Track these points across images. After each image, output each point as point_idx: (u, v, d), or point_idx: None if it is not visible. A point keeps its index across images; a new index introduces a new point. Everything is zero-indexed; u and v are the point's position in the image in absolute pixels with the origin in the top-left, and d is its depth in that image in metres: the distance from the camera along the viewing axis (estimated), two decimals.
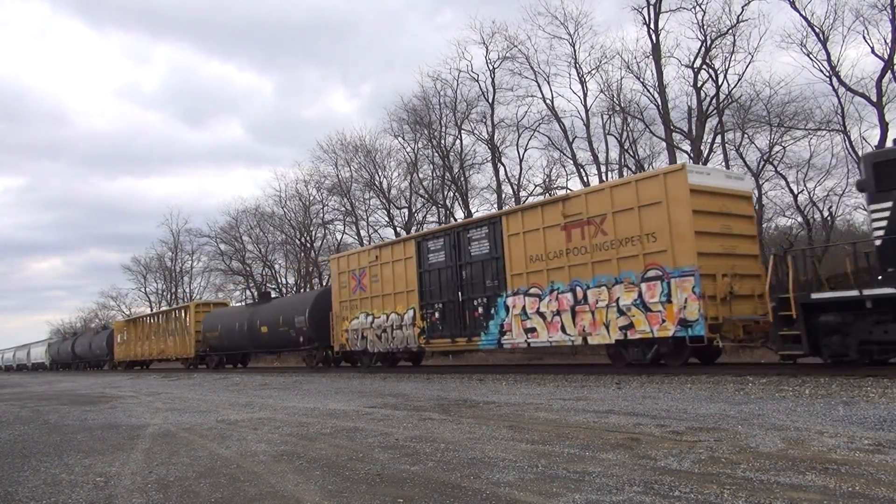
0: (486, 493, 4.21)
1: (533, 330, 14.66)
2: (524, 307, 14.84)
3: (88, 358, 49.75)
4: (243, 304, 40.82)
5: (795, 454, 4.89)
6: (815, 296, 10.38)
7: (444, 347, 17.74)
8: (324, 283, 43.74)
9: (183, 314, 34.89)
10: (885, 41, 23.52)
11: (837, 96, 24.92)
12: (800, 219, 28.34)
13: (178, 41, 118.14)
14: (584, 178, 31.48)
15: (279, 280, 49.95)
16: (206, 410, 10.55)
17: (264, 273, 50.85)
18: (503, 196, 34.70)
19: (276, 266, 50.76)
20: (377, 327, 19.27)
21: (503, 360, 24.06)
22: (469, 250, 16.51)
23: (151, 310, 64.51)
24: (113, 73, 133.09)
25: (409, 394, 11.59)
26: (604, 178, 30.81)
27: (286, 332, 24.48)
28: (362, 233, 41.78)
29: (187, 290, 63.41)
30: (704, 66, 27.36)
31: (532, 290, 14.75)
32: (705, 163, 27.56)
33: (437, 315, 17.40)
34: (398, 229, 39.76)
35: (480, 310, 16.11)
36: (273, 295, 35.11)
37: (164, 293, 66.05)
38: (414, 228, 39.21)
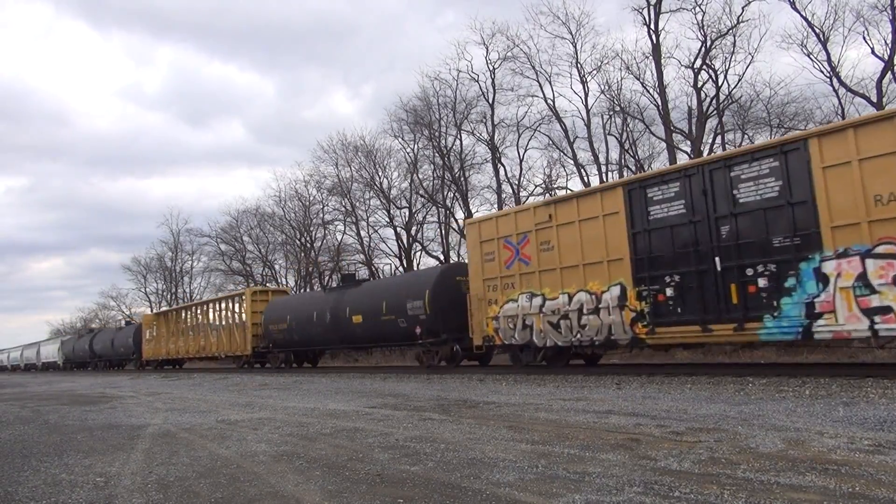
0: (486, 494, 4.21)
1: (886, 310, 9.76)
2: (863, 275, 10.03)
3: (110, 356, 45.25)
4: (320, 289, 35.06)
5: (795, 455, 4.89)
6: None
7: (685, 338, 12.52)
8: (325, 283, 43.57)
9: (235, 304, 29.75)
10: (886, 42, 23.56)
11: (838, 97, 24.96)
12: None
13: (180, 42, 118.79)
14: (585, 179, 31.53)
15: (279, 280, 49.99)
16: (206, 410, 10.55)
17: (264, 273, 50.91)
18: (503, 196, 34.74)
19: (277, 266, 50.83)
20: (551, 312, 14.46)
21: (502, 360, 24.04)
22: (735, 196, 11.60)
23: (151, 310, 64.50)
24: (115, 74, 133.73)
25: (409, 394, 11.59)
26: (604, 178, 30.85)
27: (392, 321, 19.43)
28: (362, 233, 41.83)
29: (187, 290, 63.50)
30: (704, 67, 27.39)
31: (880, 249, 9.94)
32: None
33: (668, 292, 12.53)
34: (398, 229, 39.81)
35: (762, 282, 11.28)
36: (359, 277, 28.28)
37: (164, 293, 66.14)
38: (414, 229, 39.28)
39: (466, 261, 18.03)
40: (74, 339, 56.32)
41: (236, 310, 29.47)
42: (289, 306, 25.57)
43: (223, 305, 31.06)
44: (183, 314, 35.55)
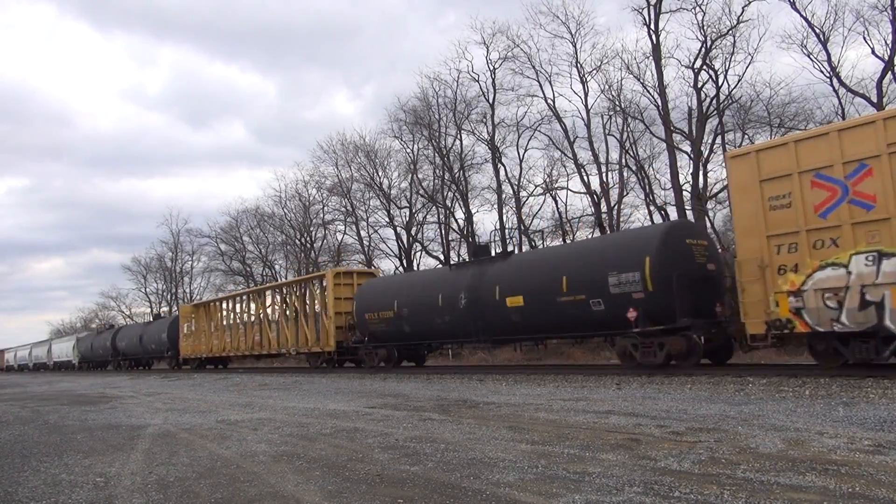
0: (486, 494, 4.21)
1: None
2: None
3: (137, 354, 40.47)
4: (444, 266, 28.42)
5: (795, 455, 4.89)
6: None
7: None
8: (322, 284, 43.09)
9: (307, 289, 25.02)
10: (886, 42, 23.55)
11: (838, 97, 24.94)
12: None
13: (182, 43, 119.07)
14: (585, 179, 31.53)
15: (279, 281, 49.98)
16: (206, 411, 10.55)
17: (264, 273, 50.94)
18: (503, 196, 34.74)
19: (277, 266, 50.86)
20: None
21: (503, 360, 24.05)
22: None
23: (152, 310, 64.46)
24: (118, 75, 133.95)
25: (409, 394, 11.59)
26: (604, 178, 30.90)
27: (579, 304, 14.20)
28: (362, 233, 41.84)
29: (187, 290, 63.47)
30: (704, 67, 27.38)
31: None
32: (705, 164, 27.59)
33: None
34: (398, 229, 39.81)
35: None
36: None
37: (164, 293, 66.14)
38: (414, 229, 39.28)
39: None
40: (92, 335, 51.13)
41: (309, 297, 24.91)
42: (396, 289, 20.13)
43: (290, 292, 26.09)
44: (231, 304, 30.99)
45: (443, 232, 38.39)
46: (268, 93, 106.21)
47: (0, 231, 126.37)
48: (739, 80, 26.96)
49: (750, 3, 25.97)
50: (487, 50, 33.93)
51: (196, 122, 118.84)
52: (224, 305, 32.11)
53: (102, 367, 47.40)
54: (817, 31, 24.75)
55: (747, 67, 27.94)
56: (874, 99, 23.69)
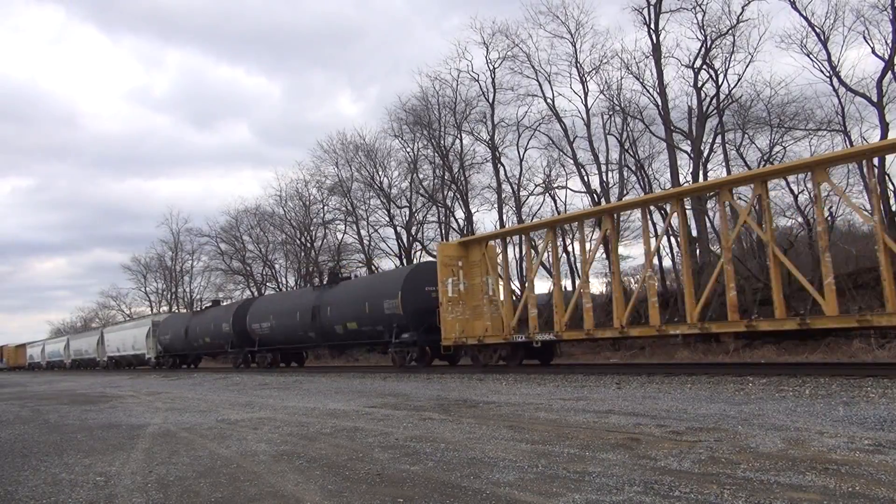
0: (486, 493, 4.21)
1: None
2: None
3: (301, 342, 24.42)
4: None
5: (795, 454, 4.89)
6: None
7: None
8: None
9: None
10: (886, 41, 23.54)
11: (838, 97, 24.92)
12: (800, 219, 28.16)
13: (188, 45, 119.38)
14: (585, 179, 31.51)
15: (279, 280, 50.01)
16: (206, 410, 10.55)
17: (264, 273, 50.87)
18: (503, 196, 34.73)
19: (277, 266, 50.81)
20: None
21: None
22: None
23: (152, 310, 64.15)
24: (124, 77, 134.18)
25: (409, 394, 11.59)
26: (604, 178, 30.89)
27: None
28: (362, 232, 41.84)
29: (187, 289, 63.43)
30: (704, 67, 27.38)
31: None
32: (705, 163, 27.57)
33: None
34: (398, 229, 39.84)
35: None
36: None
37: (164, 293, 66.08)
38: (414, 228, 39.30)
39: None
40: (186, 316, 35.66)
41: None
42: None
43: None
44: (613, 223, 14.87)
45: (443, 231, 38.40)
46: (273, 94, 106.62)
47: (4, 231, 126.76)
48: (739, 80, 26.99)
49: (750, 2, 26.00)
50: (487, 50, 33.96)
51: (201, 124, 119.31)
52: (572, 232, 15.32)
53: (192, 366, 33.03)
54: (817, 30, 24.76)
55: (747, 67, 27.92)
56: (874, 98, 23.69)
